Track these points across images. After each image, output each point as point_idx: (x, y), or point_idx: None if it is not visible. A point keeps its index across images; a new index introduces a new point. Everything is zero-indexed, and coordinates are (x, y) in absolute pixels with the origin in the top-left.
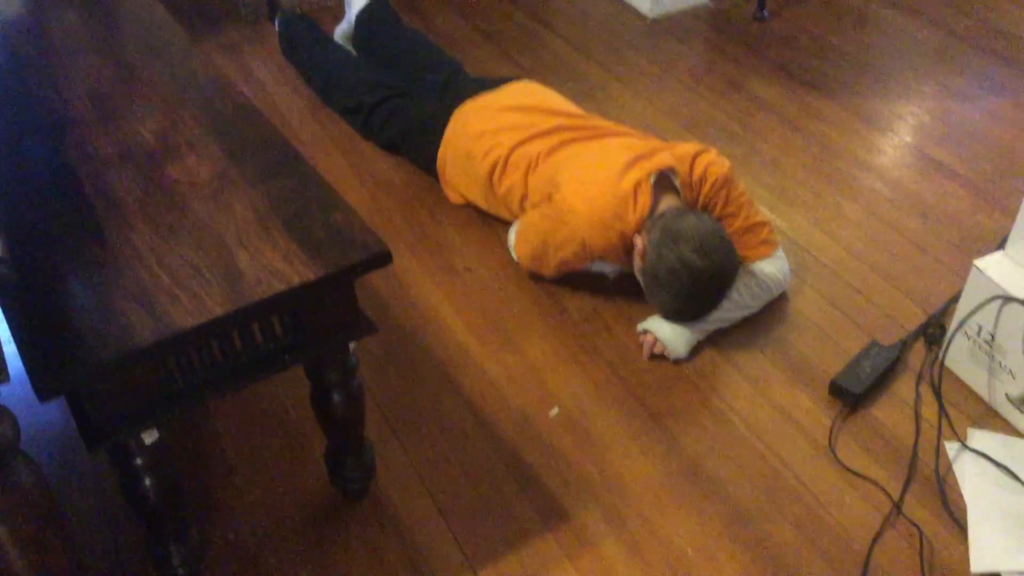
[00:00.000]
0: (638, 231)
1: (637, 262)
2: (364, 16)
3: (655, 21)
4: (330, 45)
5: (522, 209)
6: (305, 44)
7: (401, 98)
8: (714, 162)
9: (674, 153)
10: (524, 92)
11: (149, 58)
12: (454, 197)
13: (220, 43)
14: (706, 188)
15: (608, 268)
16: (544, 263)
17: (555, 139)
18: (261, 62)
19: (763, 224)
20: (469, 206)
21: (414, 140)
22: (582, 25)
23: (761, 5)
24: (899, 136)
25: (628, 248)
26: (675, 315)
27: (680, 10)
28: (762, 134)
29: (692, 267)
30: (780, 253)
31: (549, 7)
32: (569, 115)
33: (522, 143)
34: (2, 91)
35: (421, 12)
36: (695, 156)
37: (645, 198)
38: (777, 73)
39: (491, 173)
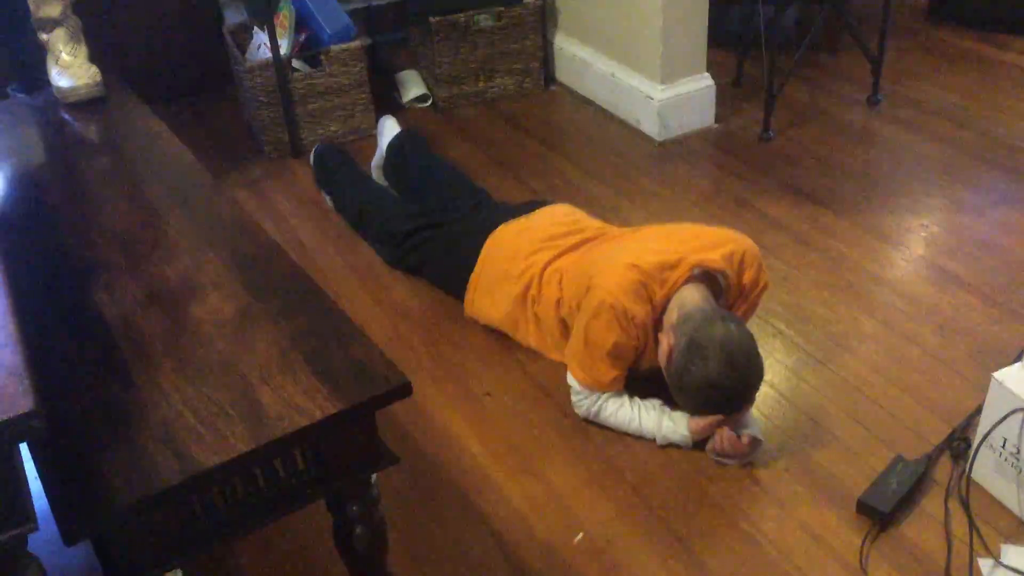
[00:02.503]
0: (662, 312)
1: (663, 360)
2: (395, 144)
3: (663, 144)
4: (362, 176)
5: (557, 315)
6: (339, 174)
7: (433, 228)
8: (764, 270)
9: (718, 254)
10: (558, 215)
11: (176, 201)
12: (472, 313)
13: (244, 179)
14: (753, 294)
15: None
16: (596, 365)
17: (583, 250)
18: (283, 196)
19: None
20: (489, 331)
21: (443, 263)
22: (592, 150)
23: (766, 126)
24: (910, 249)
25: (657, 326)
26: (700, 414)
27: (687, 133)
28: (774, 251)
29: (719, 385)
30: None
31: (559, 134)
32: (600, 228)
33: (553, 260)
34: (33, 235)
35: (435, 142)
36: (740, 260)
37: (676, 276)
38: (785, 191)
39: (526, 290)
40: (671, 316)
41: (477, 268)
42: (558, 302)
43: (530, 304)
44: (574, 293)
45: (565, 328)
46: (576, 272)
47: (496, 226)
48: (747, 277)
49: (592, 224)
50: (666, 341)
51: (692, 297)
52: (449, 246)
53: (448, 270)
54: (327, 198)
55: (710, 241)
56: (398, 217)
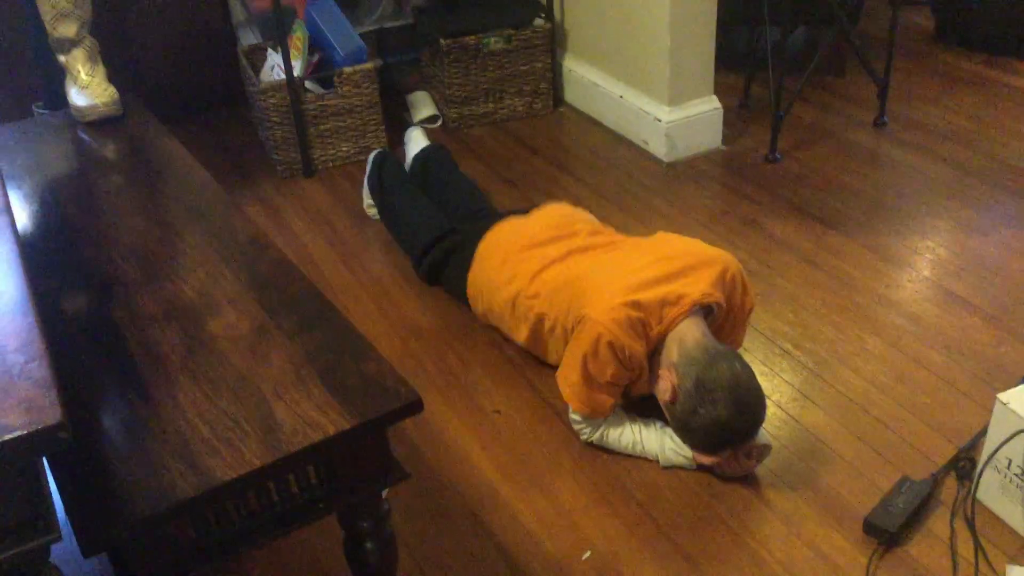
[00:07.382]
0: (659, 344)
1: (663, 397)
2: (420, 157)
3: (671, 165)
4: (409, 188)
5: (539, 328)
6: (390, 184)
7: (444, 240)
8: (749, 292)
9: (711, 282)
10: (551, 217)
11: (192, 218)
12: (475, 309)
13: (257, 197)
14: (741, 316)
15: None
16: (594, 395)
17: (569, 261)
18: (295, 214)
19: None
20: (498, 348)
21: (450, 270)
22: (600, 170)
23: (773, 147)
24: (916, 271)
25: (651, 358)
26: (705, 452)
27: (695, 154)
28: (780, 271)
29: (728, 427)
30: None
31: (568, 154)
32: (591, 234)
33: (539, 272)
34: (51, 252)
35: None
36: (731, 281)
37: (675, 313)
38: (792, 212)
39: (514, 300)
40: (671, 352)
41: (474, 267)
42: (540, 317)
43: (517, 309)
44: (560, 312)
45: (548, 337)
46: (564, 292)
47: (490, 227)
48: (736, 298)
49: (584, 228)
50: (668, 379)
51: (692, 333)
52: (453, 253)
53: (453, 275)
54: (366, 200)
55: (701, 263)
56: (423, 230)
